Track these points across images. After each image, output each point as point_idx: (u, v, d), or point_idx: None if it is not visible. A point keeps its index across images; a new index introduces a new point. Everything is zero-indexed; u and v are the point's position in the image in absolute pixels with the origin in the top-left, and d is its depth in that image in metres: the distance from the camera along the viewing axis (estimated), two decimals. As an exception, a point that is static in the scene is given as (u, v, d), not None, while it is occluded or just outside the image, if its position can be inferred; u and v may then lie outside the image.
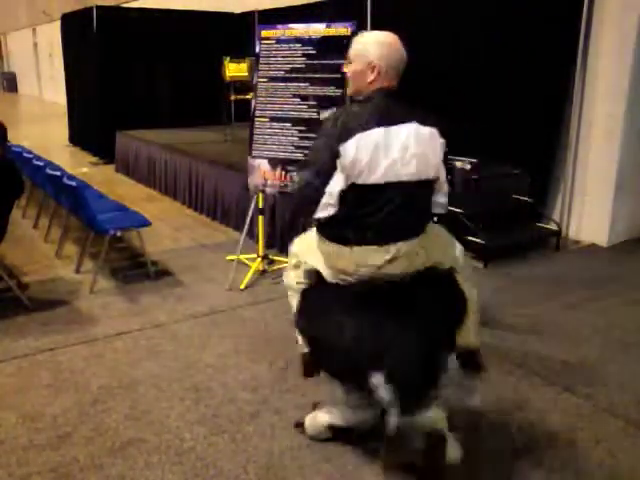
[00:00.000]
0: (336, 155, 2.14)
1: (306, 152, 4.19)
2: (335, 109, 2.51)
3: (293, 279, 2.51)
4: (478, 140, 5.47)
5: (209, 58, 9.25)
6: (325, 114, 4.53)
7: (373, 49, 2.23)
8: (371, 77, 2.23)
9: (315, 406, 2.77)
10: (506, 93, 5.63)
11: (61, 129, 12.41)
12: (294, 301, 2.52)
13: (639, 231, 5.67)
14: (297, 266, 2.50)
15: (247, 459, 2.55)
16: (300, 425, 2.72)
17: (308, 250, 2.45)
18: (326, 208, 2.22)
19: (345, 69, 2.37)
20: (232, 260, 4.73)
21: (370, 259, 2.22)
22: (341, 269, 2.28)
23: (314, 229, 2.43)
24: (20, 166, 5.21)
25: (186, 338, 3.65)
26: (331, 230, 2.28)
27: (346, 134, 2.14)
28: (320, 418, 2.65)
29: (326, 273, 2.36)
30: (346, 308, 2.32)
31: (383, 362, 2.19)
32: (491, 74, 5.71)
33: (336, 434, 2.62)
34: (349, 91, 2.37)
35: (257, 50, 4.42)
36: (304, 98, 4.21)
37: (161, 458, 2.56)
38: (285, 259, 4.88)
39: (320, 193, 2.21)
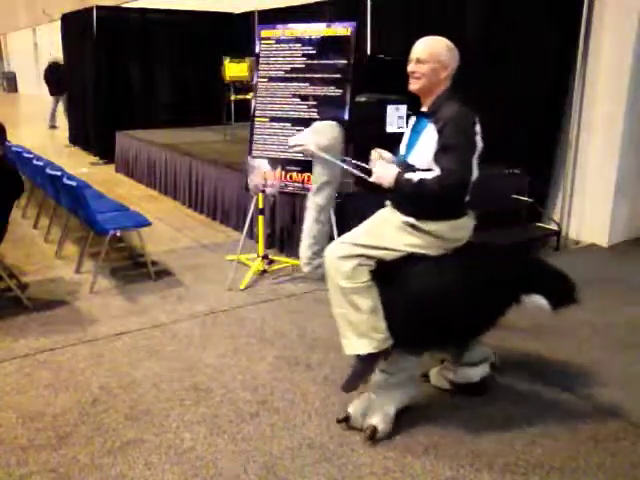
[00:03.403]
0: (476, 144, 2.51)
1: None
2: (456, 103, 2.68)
3: None
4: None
5: (209, 58, 9.26)
6: (362, 98, 4.61)
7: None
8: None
9: (443, 361, 3.14)
10: (506, 93, 5.62)
11: (61, 129, 12.40)
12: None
13: (639, 231, 5.68)
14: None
15: (247, 459, 2.55)
16: (425, 376, 3.13)
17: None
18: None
19: (417, 68, 2.60)
20: (232, 260, 4.73)
21: (471, 224, 2.72)
22: (458, 238, 2.66)
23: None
24: (20, 166, 5.23)
25: (186, 338, 3.65)
26: (455, 208, 2.67)
27: (475, 125, 2.53)
28: (443, 373, 3.08)
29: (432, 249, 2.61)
30: (457, 272, 2.62)
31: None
32: (491, 74, 5.70)
33: (457, 389, 3.03)
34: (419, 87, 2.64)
35: (257, 50, 4.43)
36: (304, 98, 4.21)
37: (161, 458, 2.56)
38: (285, 259, 4.88)
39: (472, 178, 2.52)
